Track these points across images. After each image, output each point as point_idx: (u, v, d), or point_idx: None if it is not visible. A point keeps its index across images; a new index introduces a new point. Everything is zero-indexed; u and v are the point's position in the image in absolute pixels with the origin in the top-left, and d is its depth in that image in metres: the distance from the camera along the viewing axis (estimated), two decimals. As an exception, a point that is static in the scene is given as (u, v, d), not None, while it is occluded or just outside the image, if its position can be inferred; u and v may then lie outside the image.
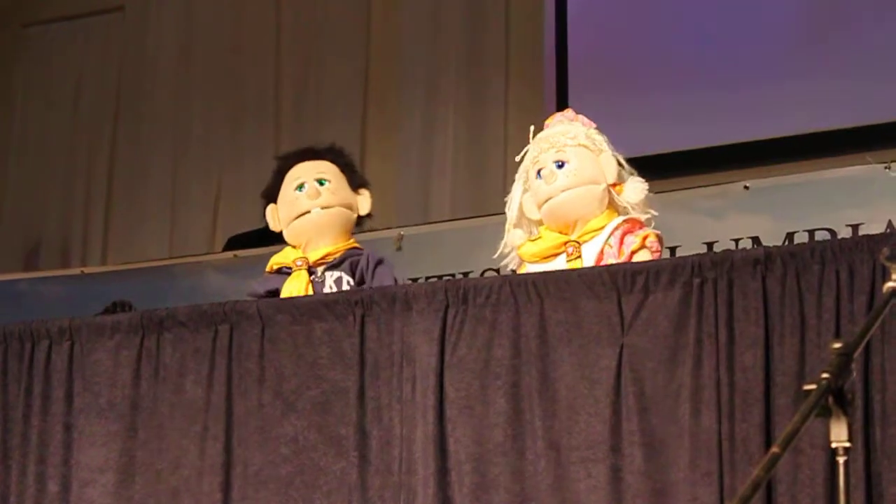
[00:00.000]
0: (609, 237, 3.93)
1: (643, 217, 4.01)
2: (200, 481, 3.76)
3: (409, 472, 3.58)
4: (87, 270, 7.34)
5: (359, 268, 4.25)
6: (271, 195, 4.42)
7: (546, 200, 4.01)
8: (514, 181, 4.18)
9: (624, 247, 3.92)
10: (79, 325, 3.99)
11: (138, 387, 3.88)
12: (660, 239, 3.99)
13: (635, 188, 4.03)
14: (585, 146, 4.04)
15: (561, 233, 4.01)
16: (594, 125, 4.13)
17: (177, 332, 3.88)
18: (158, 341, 3.89)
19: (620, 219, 3.98)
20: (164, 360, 3.88)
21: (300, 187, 4.35)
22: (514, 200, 4.11)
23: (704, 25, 6.94)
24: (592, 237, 3.95)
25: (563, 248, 3.96)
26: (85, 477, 3.87)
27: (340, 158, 4.45)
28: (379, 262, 4.29)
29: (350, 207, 4.38)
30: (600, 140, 4.07)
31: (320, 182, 4.35)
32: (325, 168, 4.40)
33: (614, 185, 4.02)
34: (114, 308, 4.88)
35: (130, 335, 3.92)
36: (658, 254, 3.95)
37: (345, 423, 3.67)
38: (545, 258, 3.97)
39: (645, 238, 3.93)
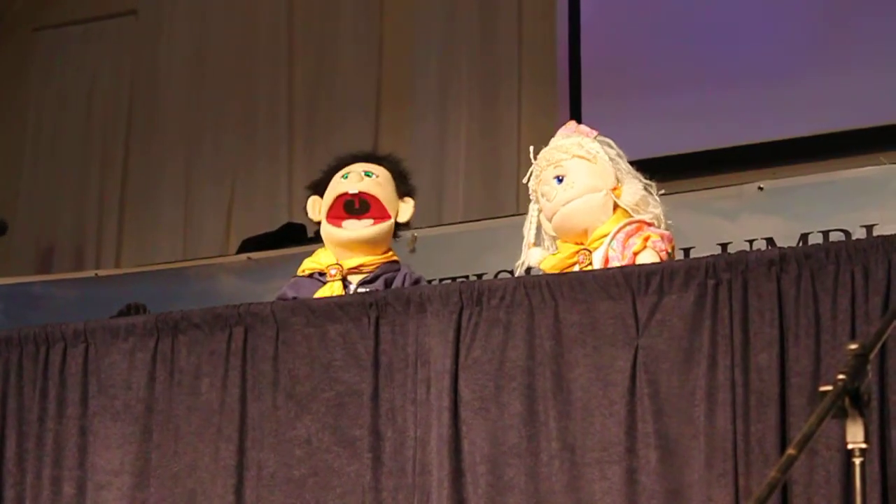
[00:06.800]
0: (611, 241, 3.96)
1: (647, 217, 4.03)
2: (214, 483, 3.77)
3: (424, 474, 3.58)
4: (100, 273, 7.35)
5: (394, 286, 4.20)
6: (318, 188, 4.45)
7: (552, 216, 4.09)
8: (527, 185, 4.24)
9: (626, 250, 3.94)
10: (93, 327, 4.00)
11: (153, 389, 3.89)
12: (666, 238, 4.01)
13: (632, 190, 4.06)
14: (580, 156, 4.10)
15: (575, 243, 4.06)
16: (594, 133, 4.17)
17: (191, 334, 3.89)
18: (173, 344, 3.89)
19: (624, 221, 4.01)
20: (178, 362, 3.88)
21: (345, 176, 4.38)
22: (531, 221, 4.18)
23: (717, 27, 6.93)
24: (601, 243, 3.99)
25: (576, 258, 4.00)
26: (100, 480, 3.88)
27: (393, 165, 4.48)
28: (416, 283, 4.25)
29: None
30: (595, 148, 4.12)
31: (367, 174, 4.37)
32: (376, 168, 4.42)
33: (614, 189, 4.06)
34: (128, 311, 4.89)
35: (145, 338, 3.92)
36: (665, 253, 3.97)
37: (359, 425, 3.67)
38: (563, 269, 4.00)
39: (646, 239, 3.96)
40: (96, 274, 7.33)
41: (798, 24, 6.75)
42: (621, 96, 6.91)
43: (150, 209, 8.21)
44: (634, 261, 3.91)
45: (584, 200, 4.05)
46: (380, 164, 4.46)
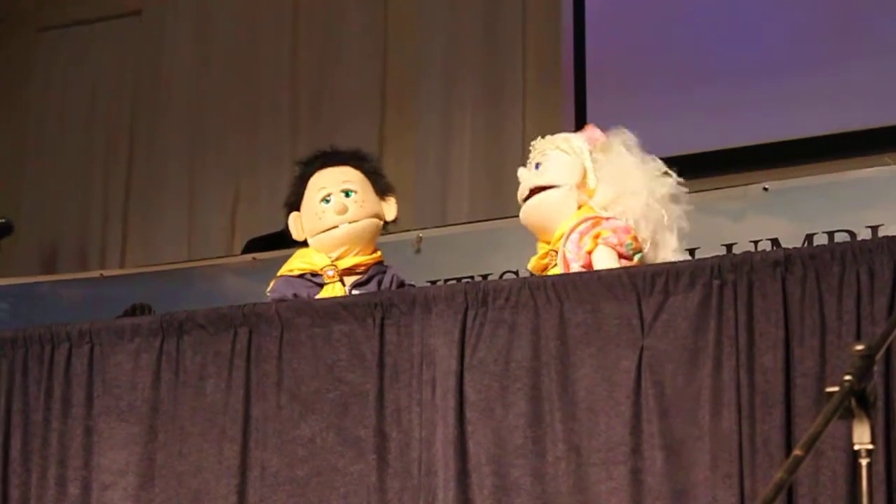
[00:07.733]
0: (566, 242, 3.90)
1: (605, 214, 3.95)
2: (219, 483, 3.77)
3: (429, 475, 3.58)
4: (105, 273, 7.34)
5: (382, 287, 4.17)
6: (294, 203, 4.33)
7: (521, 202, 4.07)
8: None
9: (580, 250, 3.88)
10: (99, 328, 4.00)
11: (158, 389, 3.89)
12: (622, 229, 3.90)
13: (604, 192, 3.98)
14: (562, 150, 4.03)
15: (546, 242, 4.00)
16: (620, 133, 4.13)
17: (196, 334, 3.89)
18: (178, 344, 3.90)
19: (576, 220, 3.93)
20: (183, 362, 3.88)
21: (326, 200, 4.26)
22: None
23: (722, 26, 6.93)
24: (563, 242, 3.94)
25: (548, 258, 3.97)
26: (105, 480, 3.88)
27: (365, 164, 4.36)
28: (400, 285, 4.20)
29: (377, 216, 4.31)
30: (580, 144, 4.03)
31: (346, 193, 4.26)
32: (351, 176, 4.30)
33: (581, 186, 3.99)
34: (133, 311, 4.89)
35: (150, 338, 3.93)
36: (621, 246, 3.88)
37: (363, 426, 3.67)
38: (542, 270, 3.97)
39: (597, 237, 3.88)
40: (101, 274, 7.32)
41: (803, 23, 6.74)
42: (626, 95, 6.90)
43: (155, 209, 8.21)
44: (590, 261, 3.84)
45: (541, 197, 3.98)
46: (349, 164, 4.33)
